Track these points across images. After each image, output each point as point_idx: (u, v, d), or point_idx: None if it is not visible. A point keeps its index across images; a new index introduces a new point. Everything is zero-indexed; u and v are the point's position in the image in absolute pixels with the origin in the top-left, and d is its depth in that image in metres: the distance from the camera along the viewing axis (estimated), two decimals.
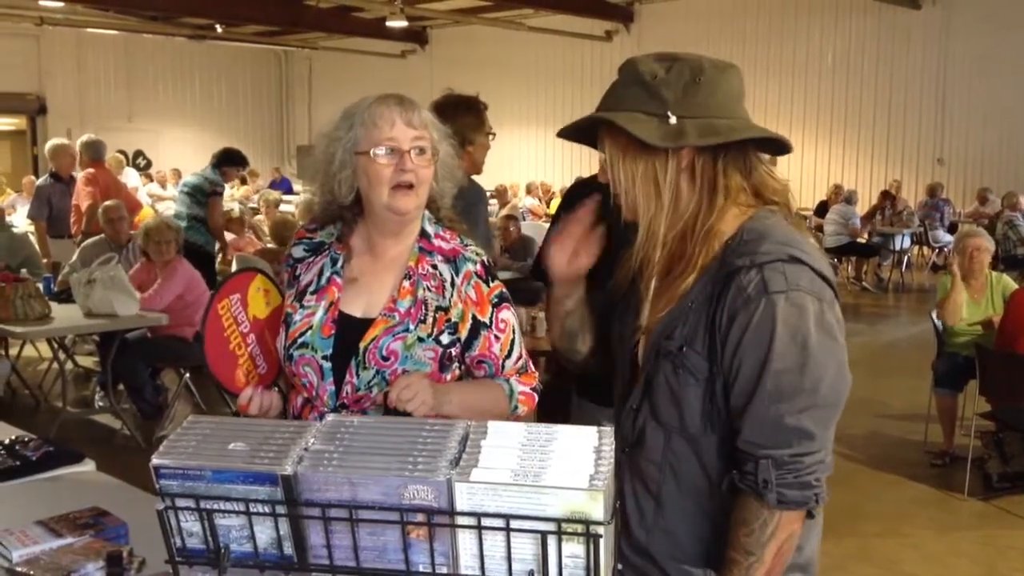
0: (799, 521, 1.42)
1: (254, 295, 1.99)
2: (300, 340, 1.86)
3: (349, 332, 1.83)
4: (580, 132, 1.55)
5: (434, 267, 1.87)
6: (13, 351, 6.97)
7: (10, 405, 6.25)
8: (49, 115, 19.15)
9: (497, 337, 1.88)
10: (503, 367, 1.89)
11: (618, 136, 1.47)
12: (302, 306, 1.89)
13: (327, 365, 1.83)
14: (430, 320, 1.82)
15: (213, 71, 21.59)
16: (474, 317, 1.86)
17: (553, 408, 3.40)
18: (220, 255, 7.87)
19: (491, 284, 1.90)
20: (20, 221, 9.96)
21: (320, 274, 1.91)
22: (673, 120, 1.43)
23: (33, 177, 14.27)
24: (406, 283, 1.84)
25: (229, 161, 7.74)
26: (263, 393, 1.90)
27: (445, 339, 1.83)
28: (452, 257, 1.88)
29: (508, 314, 1.90)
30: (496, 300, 1.89)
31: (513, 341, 1.90)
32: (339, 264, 1.91)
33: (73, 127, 16.80)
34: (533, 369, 1.95)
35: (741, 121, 1.47)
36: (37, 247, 7.58)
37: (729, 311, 1.40)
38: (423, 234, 1.89)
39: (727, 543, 1.43)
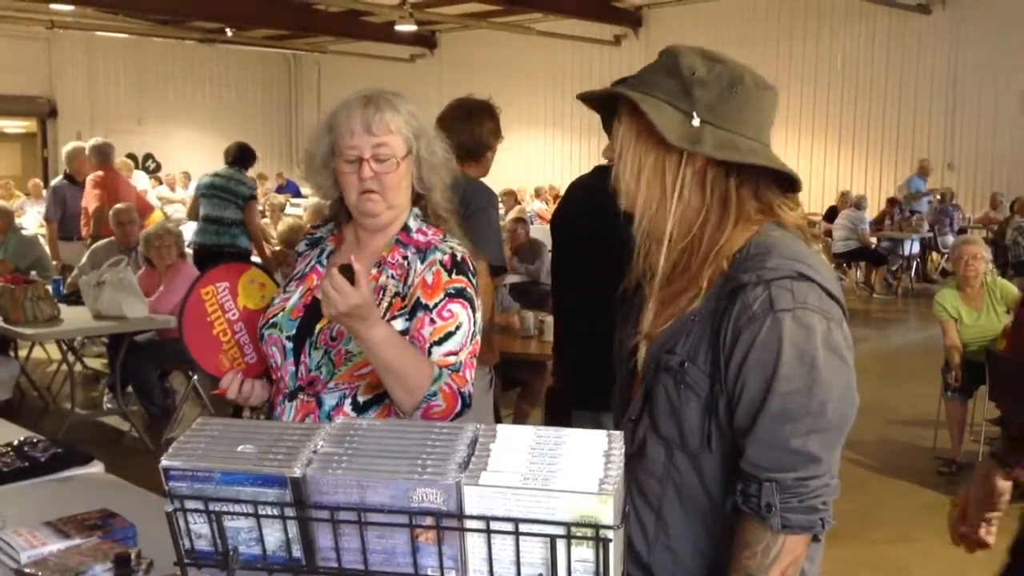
0: (803, 545, 1.36)
1: (246, 286, 2.02)
2: (271, 320, 1.90)
3: (316, 316, 1.84)
4: (600, 101, 1.51)
5: (405, 257, 1.87)
6: (22, 353, 6.98)
7: (19, 406, 6.27)
8: (59, 118, 19.24)
9: (433, 320, 1.80)
10: (429, 352, 1.78)
11: (637, 119, 1.42)
12: (284, 291, 1.95)
13: (289, 345, 1.87)
14: (384, 305, 1.82)
15: (223, 75, 21.66)
16: (417, 299, 1.82)
17: (558, 412, 3.40)
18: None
19: (454, 276, 1.84)
20: (29, 223, 10.00)
21: (307, 263, 1.98)
22: (696, 122, 1.38)
23: (39, 180, 14.36)
24: (375, 271, 1.85)
25: (250, 159, 7.74)
26: (244, 379, 1.95)
27: (399, 325, 1.80)
28: (424, 248, 1.87)
29: (461, 310, 1.82)
30: (453, 292, 1.83)
31: (452, 335, 1.80)
32: (325, 254, 1.97)
33: (83, 130, 16.88)
34: (468, 377, 1.81)
35: (762, 147, 1.42)
36: (47, 249, 7.61)
37: (734, 328, 1.35)
38: (405, 228, 1.90)
39: (730, 564, 1.39)
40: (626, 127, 1.45)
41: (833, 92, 15.32)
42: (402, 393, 1.72)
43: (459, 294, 1.83)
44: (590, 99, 1.51)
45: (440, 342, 1.79)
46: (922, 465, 5.43)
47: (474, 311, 1.85)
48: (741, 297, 1.35)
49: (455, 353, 1.80)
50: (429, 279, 1.83)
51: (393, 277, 1.85)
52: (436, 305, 1.81)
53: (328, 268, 1.90)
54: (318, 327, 1.84)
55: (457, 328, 1.81)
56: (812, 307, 1.34)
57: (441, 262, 1.84)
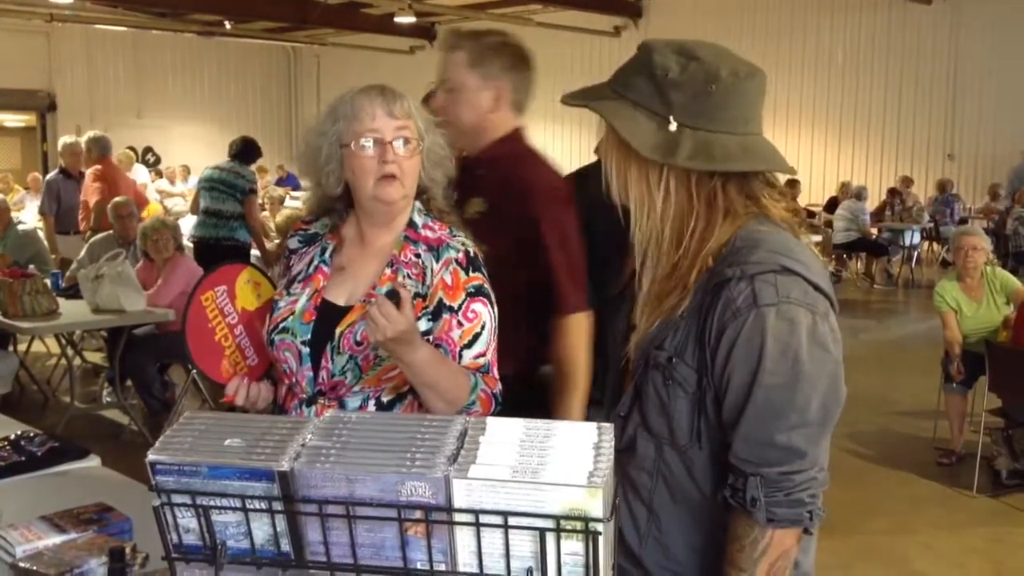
0: (793, 539, 1.37)
1: (243, 287, 1.99)
2: (282, 325, 1.87)
3: (329, 319, 1.82)
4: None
5: (417, 256, 1.85)
6: (21, 347, 6.99)
7: (18, 400, 6.27)
8: (59, 111, 19.21)
9: (460, 323, 1.80)
10: (460, 356, 1.79)
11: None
12: (288, 293, 1.91)
13: (305, 351, 1.83)
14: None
15: (222, 67, 21.63)
16: (440, 300, 1.81)
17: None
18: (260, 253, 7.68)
19: (471, 274, 1.84)
20: (28, 217, 10.00)
21: (310, 263, 1.93)
22: (673, 127, 1.35)
23: (38, 174, 14.36)
24: (388, 271, 1.83)
25: (253, 154, 7.73)
26: (250, 384, 1.92)
27: (422, 326, 1.78)
28: (436, 246, 1.85)
29: (483, 308, 1.83)
30: (472, 290, 1.83)
31: (479, 336, 1.81)
32: (327, 253, 1.92)
33: (83, 123, 16.84)
34: (496, 376, 1.84)
35: (742, 142, 1.38)
36: (46, 243, 7.61)
37: (718, 324, 1.34)
38: (411, 224, 1.88)
39: (721, 556, 1.39)
40: (607, 131, 1.43)
41: (834, 83, 15.28)
42: (442, 405, 1.73)
43: (478, 292, 1.83)
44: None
45: (469, 345, 1.80)
46: (922, 456, 5.43)
47: (492, 306, 1.85)
48: (725, 292, 1.34)
49: (483, 354, 1.82)
50: (448, 279, 1.82)
51: (410, 277, 1.82)
52: (460, 307, 1.81)
53: (335, 271, 1.88)
54: (338, 331, 1.81)
55: (482, 328, 1.82)
56: (796, 301, 1.33)
57: (457, 260, 1.83)
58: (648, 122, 1.37)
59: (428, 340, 1.78)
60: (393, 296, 1.62)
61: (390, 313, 1.60)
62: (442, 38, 2.33)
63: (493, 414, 1.77)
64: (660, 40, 1.42)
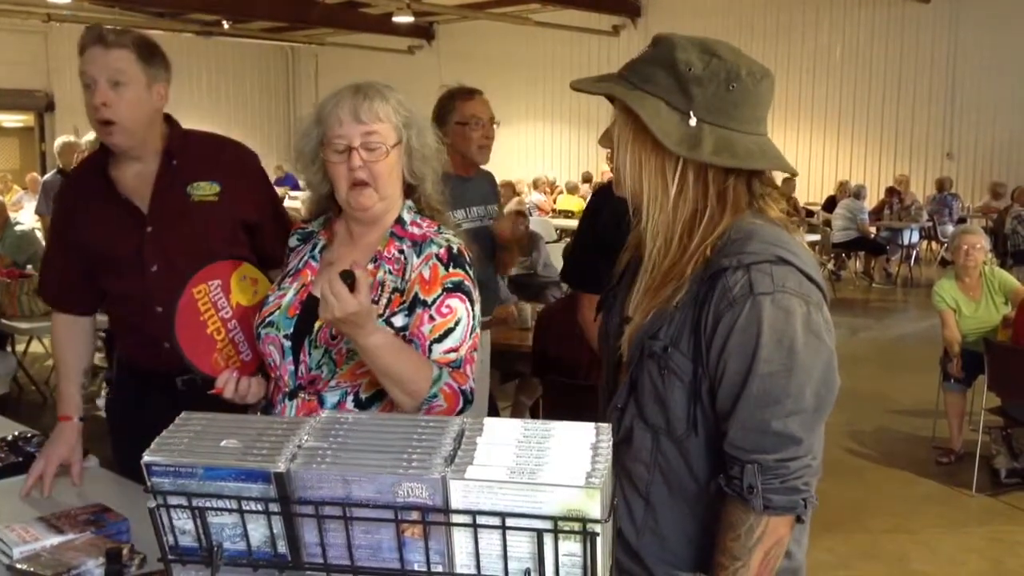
0: (787, 527, 1.38)
1: (238, 282, 1.99)
2: (268, 319, 1.87)
3: (313, 313, 1.80)
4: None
5: (401, 252, 1.84)
6: (19, 347, 6.98)
7: (17, 401, 6.26)
8: (57, 112, 19.19)
9: (432, 318, 1.77)
10: (430, 350, 1.76)
11: (634, 118, 1.40)
12: (279, 288, 1.92)
13: (287, 344, 1.84)
14: (383, 301, 1.79)
15: (220, 67, 21.61)
16: (416, 295, 1.79)
17: (576, 408, 3.35)
18: None
19: (451, 270, 1.81)
20: (27, 218, 9.98)
21: (301, 259, 1.94)
22: (693, 122, 1.37)
23: (36, 174, 14.35)
24: (371, 266, 1.83)
25: None
26: (240, 378, 1.91)
27: (398, 321, 1.78)
28: (420, 242, 1.85)
29: (459, 304, 1.80)
30: (451, 286, 1.80)
31: (452, 331, 1.78)
32: (318, 249, 1.93)
33: (80, 124, 16.74)
34: (468, 373, 1.79)
35: (757, 142, 1.41)
36: (44, 243, 7.60)
37: (715, 313, 1.35)
38: (399, 221, 1.88)
39: (715, 547, 1.40)
40: (623, 122, 1.43)
41: (832, 82, 15.29)
42: (402, 396, 1.72)
43: (457, 288, 1.81)
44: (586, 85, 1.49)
45: (440, 339, 1.77)
46: (921, 455, 5.43)
47: (473, 304, 1.83)
48: (721, 281, 1.36)
49: (455, 350, 1.79)
50: (426, 274, 1.80)
51: (391, 272, 1.82)
52: (434, 301, 1.78)
53: (324, 266, 1.88)
54: (317, 325, 1.80)
55: (456, 324, 1.79)
56: (791, 290, 1.35)
57: (437, 256, 1.82)
58: (670, 114, 1.38)
59: (404, 335, 1.78)
60: (348, 277, 1.61)
61: (340, 293, 1.59)
62: (94, 34, 2.44)
63: (461, 412, 1.75)
64: (679, 35, 1.42)
